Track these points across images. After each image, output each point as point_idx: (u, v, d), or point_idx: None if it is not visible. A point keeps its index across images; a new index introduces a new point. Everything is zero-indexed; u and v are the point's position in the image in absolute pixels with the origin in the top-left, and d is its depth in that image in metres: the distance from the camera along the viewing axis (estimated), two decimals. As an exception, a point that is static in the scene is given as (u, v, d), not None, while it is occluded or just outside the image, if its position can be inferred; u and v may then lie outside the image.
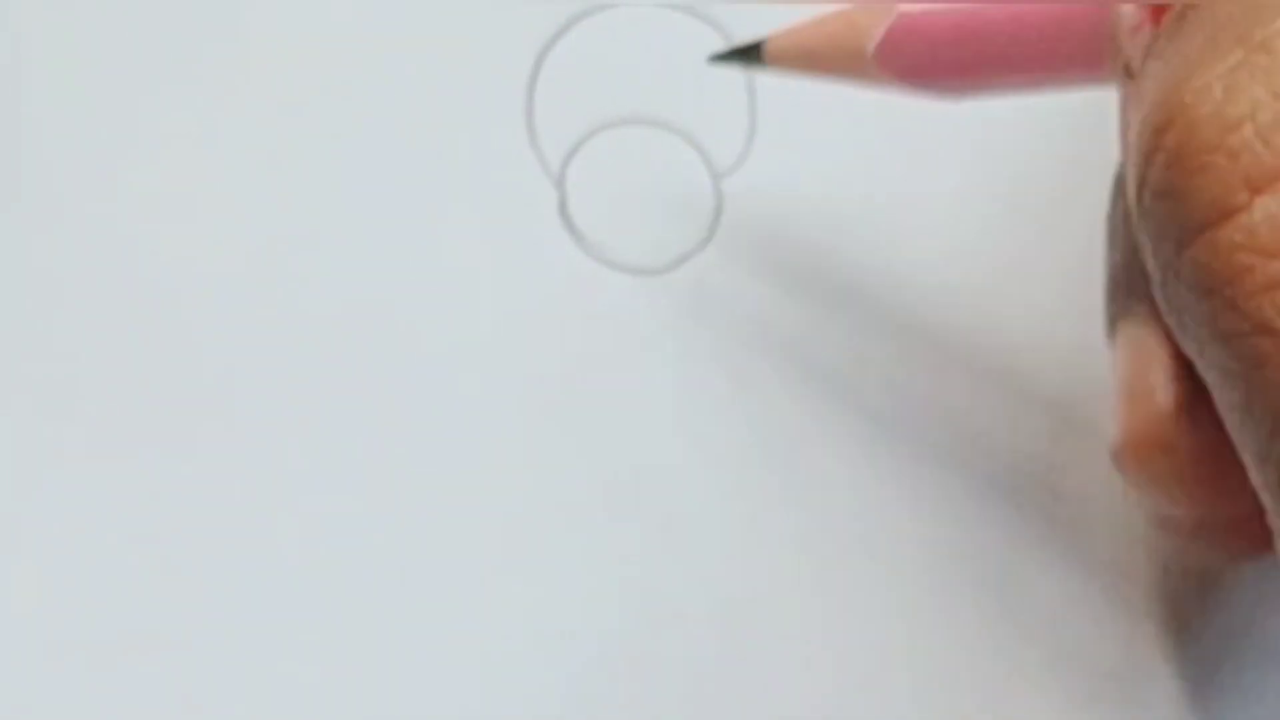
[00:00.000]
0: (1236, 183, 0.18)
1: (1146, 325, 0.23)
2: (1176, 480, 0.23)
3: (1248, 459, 0.18)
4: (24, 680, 0.26)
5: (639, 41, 0.28)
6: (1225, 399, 0.18)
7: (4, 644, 0.26)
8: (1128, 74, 0.20)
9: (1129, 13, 0.20)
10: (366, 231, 0.28)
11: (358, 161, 0.28)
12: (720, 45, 0.28)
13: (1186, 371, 0.22)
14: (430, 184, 0.28)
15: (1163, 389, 0.23)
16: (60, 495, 0.27)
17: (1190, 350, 0.19)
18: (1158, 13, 0.20)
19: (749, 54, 0.26)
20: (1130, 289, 0.24)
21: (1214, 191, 0.18)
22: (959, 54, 0.23)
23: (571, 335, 0.27)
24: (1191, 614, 0.26)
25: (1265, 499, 0.18)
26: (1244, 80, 0.18)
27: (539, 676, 0.26)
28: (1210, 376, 0.19)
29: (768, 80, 0.28)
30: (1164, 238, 0.19)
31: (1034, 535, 0.27)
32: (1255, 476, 0.18)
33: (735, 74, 0.28)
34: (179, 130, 0.28)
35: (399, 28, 0.28)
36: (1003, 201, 0.28)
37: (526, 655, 0.26)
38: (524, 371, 0.27)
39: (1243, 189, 0.18)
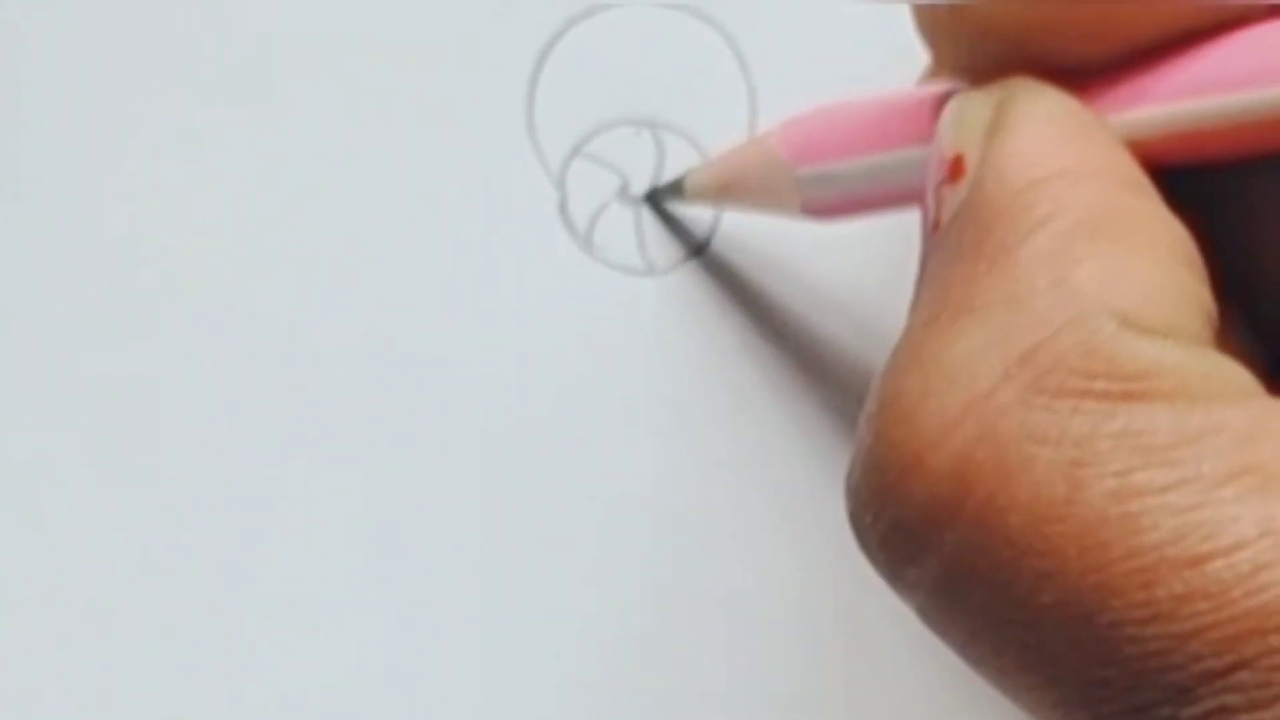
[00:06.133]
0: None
1: None
2: None
3: None
4: (24, 680, 0.26)
5: (639, 41, 0.28)
6: None
7: (4, 644, 0.26)
8: (934, 227, 0.21)
9: (936, 166, 0.21)
10: (366, 231, 0.28)
11: (358, 161, 0.28)
12: (720, 45, 0.28)
13: None
14: (430, 184, 0.28)
15: None
16: (59, 493, 0.27)
17: None
18: (956, 171, 0.20)
19: (676, 189, 0.27)
20: None
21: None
22: (850, 140, 0.23)
23: (571, 335, 0.27)
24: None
25: None
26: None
27: (532, 676, 0.26)
28: None
29: (768, 80, 0.28)
30: None
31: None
32: None
33: (735, 74, 0.28)
34: (179, 131, 0.28)
35: (399, 28, 0.28)
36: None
37: (519, 654, 0.27)
38: (523, 371, 0.27)
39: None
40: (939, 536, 0.18)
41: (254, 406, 0.27)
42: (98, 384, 0.27)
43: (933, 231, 0.20)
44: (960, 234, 0.19)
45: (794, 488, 0.27)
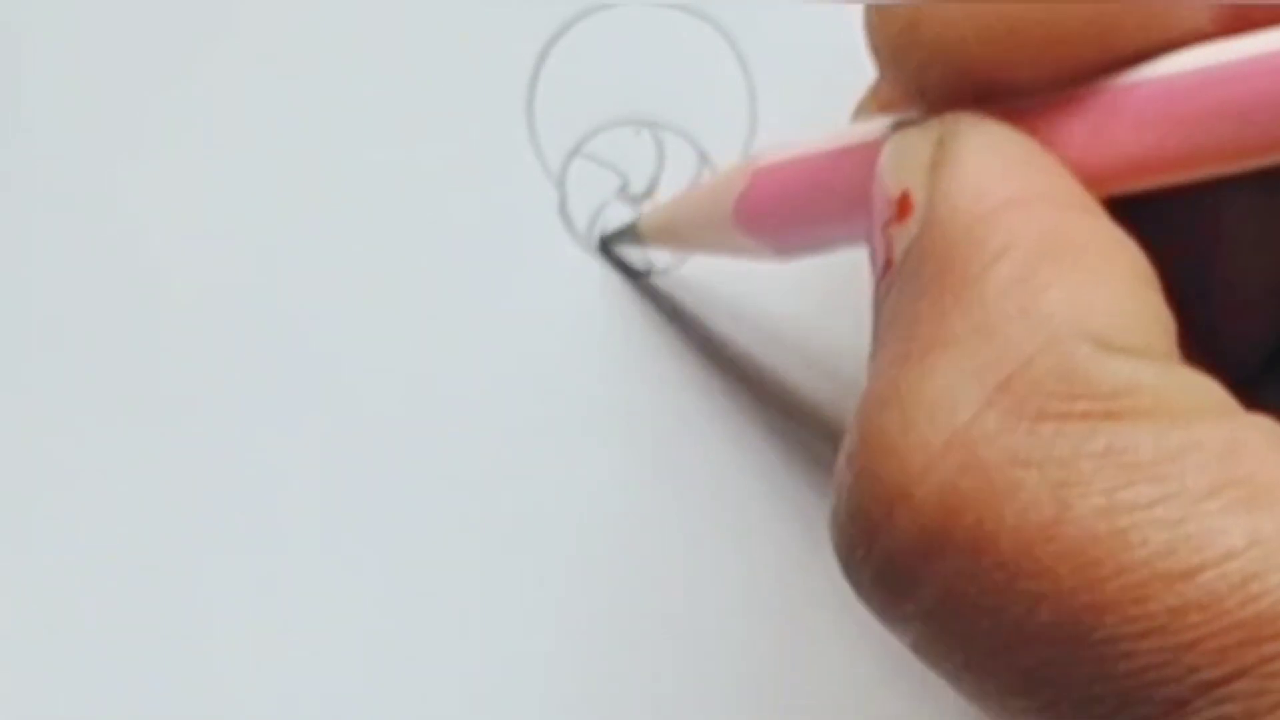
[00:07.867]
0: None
1: None
2: None
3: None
4: (23, 680, 0.26)
5: (639, 41, 0.28)
6: None
7: (4, 644, 0.26)
8: (885, 266, 0.21)
9: (881, 205, 0.21)
10: (366, 231, 0.28)
11: (358, 161, 0.28)
12: (720, 45, 0.28)
13: None
14: (430, 184, 0.28)
15: None
16: (59, 493, 0.27)
17: None
18: (903, 209, 0.20)
19: (631, 232, 0.27)
20: None
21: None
22: (805, 204, 0.23)
23: (570, 335, 0.27)
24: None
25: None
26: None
27: (525, 678, 0.27)
28: None
29: (768, 80, 0.28)
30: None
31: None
32: None
33: (735, 74, 0.28)
34: (178, 131, 0.28)
35: (400, 27, 0.28)
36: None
37: (514, 653, 0.27)
38: (523, 370, 0.27)
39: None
40: (931, 568, 0.18)
41: (252, 406, 0.27)
42: (96, 382, 0.27)
43: (885, 271, 0.20)
44: (918, 270, 0.19)
45: (795, 487, 0.27)
